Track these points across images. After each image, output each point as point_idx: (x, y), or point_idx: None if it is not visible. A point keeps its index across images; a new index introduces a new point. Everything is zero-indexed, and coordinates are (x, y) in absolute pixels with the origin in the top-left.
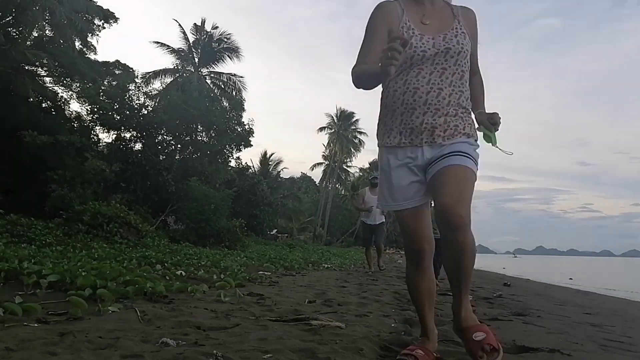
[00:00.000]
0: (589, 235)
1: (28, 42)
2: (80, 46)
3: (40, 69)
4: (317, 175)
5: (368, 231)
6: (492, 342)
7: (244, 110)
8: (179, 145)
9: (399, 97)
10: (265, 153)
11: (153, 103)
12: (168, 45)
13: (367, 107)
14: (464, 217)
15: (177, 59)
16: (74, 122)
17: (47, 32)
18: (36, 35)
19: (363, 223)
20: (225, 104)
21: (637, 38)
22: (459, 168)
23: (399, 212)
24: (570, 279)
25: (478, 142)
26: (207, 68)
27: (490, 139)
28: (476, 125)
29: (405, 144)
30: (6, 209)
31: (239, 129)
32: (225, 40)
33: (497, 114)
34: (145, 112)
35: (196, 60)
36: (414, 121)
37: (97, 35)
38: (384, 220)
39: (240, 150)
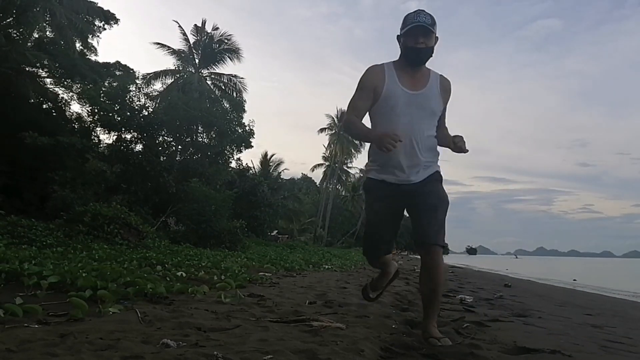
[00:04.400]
0: (590, 236)
1: (29, 44)
2: (80, 47)
3: (40, 70)
4: (317, 176)
5: (385, 210)
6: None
7: (244, 111)
8: (179, 147)
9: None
10: (266, 154)
11: (154, 104)
12: (169, 47)
13: None
14: None
15: (178, 60)
16: (75, 124)
17: (47, 33)
18: (37, 36)
19: (372, 185)
20: (225, 105)
21: (637, 38)
22: None
23: None
24: (574, 279)
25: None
26: (208, 69)
27: None
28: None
29: None
30: (7, 210)
31: (239, 130)
32: (226, 41)
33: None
34: (146, 113)
35: (197, 61)
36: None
37: (98, 36)
38: (437, 169)
39: (240, 151)
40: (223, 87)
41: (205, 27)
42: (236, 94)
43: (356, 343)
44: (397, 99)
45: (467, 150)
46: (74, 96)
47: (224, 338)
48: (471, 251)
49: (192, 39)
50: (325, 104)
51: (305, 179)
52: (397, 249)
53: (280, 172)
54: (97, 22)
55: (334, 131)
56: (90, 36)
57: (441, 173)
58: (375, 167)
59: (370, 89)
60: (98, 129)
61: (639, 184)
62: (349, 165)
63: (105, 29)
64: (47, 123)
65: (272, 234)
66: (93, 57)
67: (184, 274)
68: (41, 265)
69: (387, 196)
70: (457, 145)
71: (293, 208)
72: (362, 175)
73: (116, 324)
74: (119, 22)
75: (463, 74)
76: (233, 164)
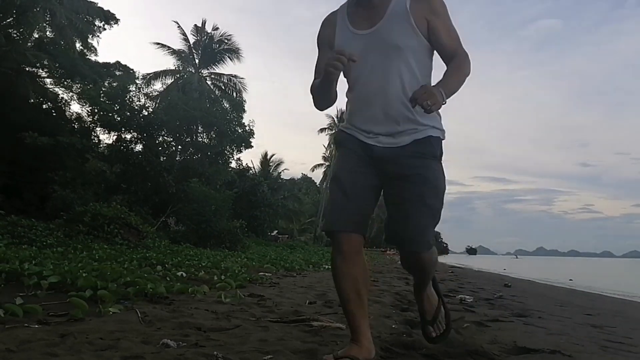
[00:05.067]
0: (590, 236)
1: (29, 44)
2: (80, 47)
3: (41, 71)
4: (317, 176)
5: (354, 175)
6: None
7: (244, 111)
8: (179, 147)
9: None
10: (266, 154)
11: (154, 104)
12: (169, 47)
13: None
14: None
15: (178, 60)
16: (75, 124)
17: (47, 33)
18: (37, 36)
19: (343, 138)
20: (225, 105)
21: (637, 39)
22: None
23: None
24: (570, 279)
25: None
26: (208, 69)
27: None
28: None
29: None
30: (7, 210)
31: (239, 130)
32: (226, 41)
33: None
34: (146, 113)
35: (197, 61)
36: None
37: (98, 36)
38: (431, 133)
39: (240, 152)
40: (223, 87)
41: (205, 27)
42: (236, 94)
43: None
44: (349, 47)
45: (432, 107)
46: (74, 96)
47: (224, 338)
48: (471, 251)
49: (192, 39)
50: None
51: (305, 179)
52: (396, 249)
53: (280, 172)
54: (97, 22)
55: (334, 131)
56: (90, 36)
57: (441, 139)
58: (347, 122)
59: (323, 44)
60: (98, 129)
61: (639, 184)
62: None
63: (105, 29)
64: (47, 123)
65: (272, 234)
66: (93, 57)
67: (184, 274)
68: (41, 265)
69: (360, 159)
70: (415, 99)
71: (293, 208)
72: None
73: (116, 324)
74: (119, 22)
75: None
76: (233, 164)
